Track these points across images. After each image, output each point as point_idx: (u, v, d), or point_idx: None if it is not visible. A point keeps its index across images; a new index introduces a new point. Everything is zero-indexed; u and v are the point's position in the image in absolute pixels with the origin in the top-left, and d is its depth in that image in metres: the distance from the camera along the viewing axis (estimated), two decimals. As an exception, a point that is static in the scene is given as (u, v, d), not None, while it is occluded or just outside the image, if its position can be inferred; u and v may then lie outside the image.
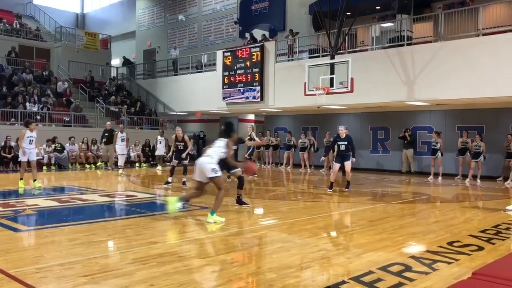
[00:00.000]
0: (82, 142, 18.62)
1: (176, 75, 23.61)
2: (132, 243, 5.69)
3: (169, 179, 11.92)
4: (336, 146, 11.64)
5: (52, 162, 17.43)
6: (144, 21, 29.32)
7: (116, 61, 29.69)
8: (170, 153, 11.99)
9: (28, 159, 11.28)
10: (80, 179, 14.15)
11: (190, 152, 11.96)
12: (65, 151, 17.85)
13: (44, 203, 9.15)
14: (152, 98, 24.45)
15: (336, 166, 11.32)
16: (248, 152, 15.62)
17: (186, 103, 22.35)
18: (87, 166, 18.11)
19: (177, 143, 11.86)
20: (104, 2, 33.69)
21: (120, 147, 16.15)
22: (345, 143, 11.10)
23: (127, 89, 25.99)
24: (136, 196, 10.60)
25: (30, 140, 11.25)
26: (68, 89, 22.59)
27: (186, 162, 11.94)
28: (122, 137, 16.15)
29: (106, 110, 22.11)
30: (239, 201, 8.63)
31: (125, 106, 22.87)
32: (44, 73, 23.37)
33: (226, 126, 7.74)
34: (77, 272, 4.40)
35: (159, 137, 18.61)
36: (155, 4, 28.46)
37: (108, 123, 17.73)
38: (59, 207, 8.76)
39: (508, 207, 8.41)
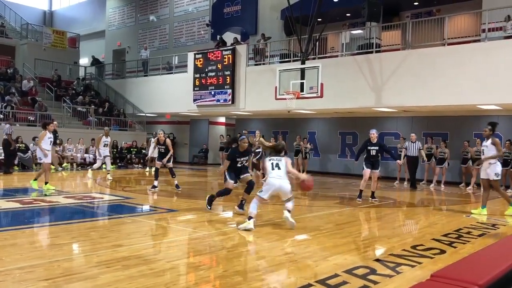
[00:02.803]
0: (47, 143, 18.10)
1: (146, 76, 23.33)
2: (96, 246, 5.57)
3: (155, 183, 11.60)
4: (366, 151, 10.61)
5: (16, 162, 16.90)
6: (114, 20, 28.87)
7: (84, 61, 29.10)
8: (149, 155, 11.75)
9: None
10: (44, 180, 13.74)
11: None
12: (29, 151, 17.33)
13: (5, 204, 8.85)
14: (121, 99, 24.06)
15: (367, 172, 10.45)
16: (257, 157, 15.27)
17: (155, 105, 22.09)
18: (52, 167, 17.62)
19: (158, 147, 11.63)
20: (73, 0, 33.00)
21: (103, 151, 14.94)
22: (376, 148, 10.33)
23: (95, 89, 25.49)
24: (102, 198, 10.39)
25: (50, 141, 11.01)
26: (34, 88, 21.98)
27: (170, 165, 11.69)
28: (106, 142, 14.91)
29: (73, 110, 21.62)
30: (241, 206, 8.32)
31: (93, 106, 22.43)
32: (8, 70, 22.65)
33: (492, 125, 8.69)
34: (38, 275, 4.27)
35: (152, 139, 18.35)
36: (126, 3, 28.07)
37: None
38: (21, 209, 8.49)
39: (473, 211, 8.75)
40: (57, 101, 21.90)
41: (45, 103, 20.95)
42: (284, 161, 7.03)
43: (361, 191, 10.65)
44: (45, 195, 10.23)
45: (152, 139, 18.51)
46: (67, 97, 22.24)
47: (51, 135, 11.08)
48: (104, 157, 14.90)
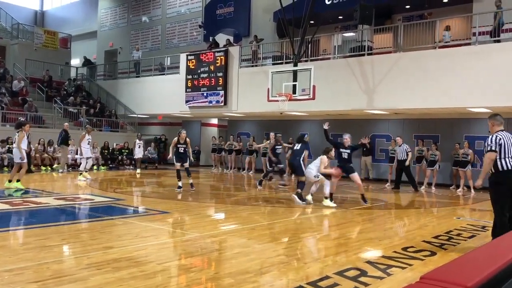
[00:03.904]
0: (38, 143, 17.99)
1: (138, 77, 23.23)
2: (87, 247, 5.54)
3: (180, 184, 11.85)
4: (338, 154, 10.45)
5: (5, 163, 16.76)
6: (106, 21, 28.75)
7: (76, 61, 28.93)
8: (170, 155, 12.02)
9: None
10: (35, 182, 13.65)
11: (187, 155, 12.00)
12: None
13: (-6, 206, 8.77)
14: (113, 100, 23.95)
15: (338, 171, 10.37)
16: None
17: (147, 106, 22.02)
18: (43, 168, 17.52)
19: (178, 146, 11.75)
20: (65, 0, 32.82)
21: (86, 150, 14.86)
22: (348, 151, 10.29)
23: (86, 90, 25.35)
24: (93, 199, 10.33)
25: (28, 142, 11.02)
26: (25, 88, 21.81)
27: (186, 165, 11.90)
28: (89, 140, 14.84)
29: (64, 111, 21.48)
30: (301, 198, 9.92)
31: (84, 107, 22.29)
32: (-2, 70, 22.49)
33: None
34: (27, 278, 4.23)
35: (137, 141, 18.23)
36: (118, 4, 27.96)
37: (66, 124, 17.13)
38: (10, 210, 8.41)
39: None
40: (48, 101, 21.76)
41: (36, 103, 20.79)
42: (319, 159, 10.03)
43: (331, 194, 10.39)
44: (9, 194, 10.26)
45: (137, 140, 18.41)
46: (58, 98, 22.10)
47: (27, 136, 11.20)
48: (87, 158, 14.77)
